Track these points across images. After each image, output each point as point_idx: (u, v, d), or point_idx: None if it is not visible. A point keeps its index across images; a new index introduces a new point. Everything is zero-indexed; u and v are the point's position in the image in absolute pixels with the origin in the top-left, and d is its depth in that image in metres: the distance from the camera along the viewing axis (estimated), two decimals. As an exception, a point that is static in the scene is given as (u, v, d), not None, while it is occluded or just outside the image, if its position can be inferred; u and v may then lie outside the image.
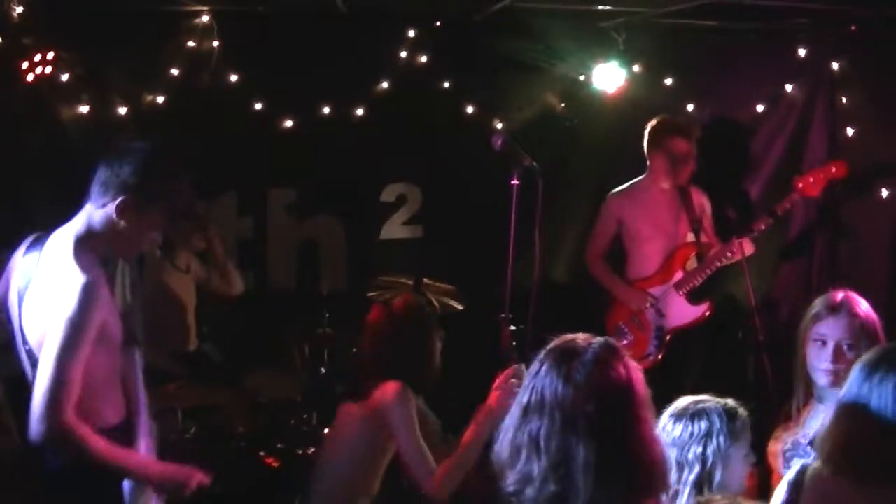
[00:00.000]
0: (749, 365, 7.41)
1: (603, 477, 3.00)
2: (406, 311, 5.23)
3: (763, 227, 7.04)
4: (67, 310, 4.02)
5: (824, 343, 4.61)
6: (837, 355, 4.57)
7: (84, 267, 4.12)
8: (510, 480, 3.11)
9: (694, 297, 7.28)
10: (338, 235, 8.06)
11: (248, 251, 7.99)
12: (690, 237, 7.27)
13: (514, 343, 5.38)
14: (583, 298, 7.79)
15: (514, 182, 5.41)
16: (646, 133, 7.29)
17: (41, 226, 7.08)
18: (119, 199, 4.20)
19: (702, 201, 7.42)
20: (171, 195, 4.30)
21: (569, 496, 3.01)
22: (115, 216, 4.22)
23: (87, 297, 4.04)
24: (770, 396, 5.98)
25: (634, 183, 7.46)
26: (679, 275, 7.29)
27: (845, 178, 7.23)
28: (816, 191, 7.09)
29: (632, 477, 3.04)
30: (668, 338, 7.25)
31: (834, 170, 7.11)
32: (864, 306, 4.67)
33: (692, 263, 7.29)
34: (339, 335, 7.15)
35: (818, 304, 4.73)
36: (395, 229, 8.04)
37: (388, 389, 4.97)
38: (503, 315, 5.40)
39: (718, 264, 7.14)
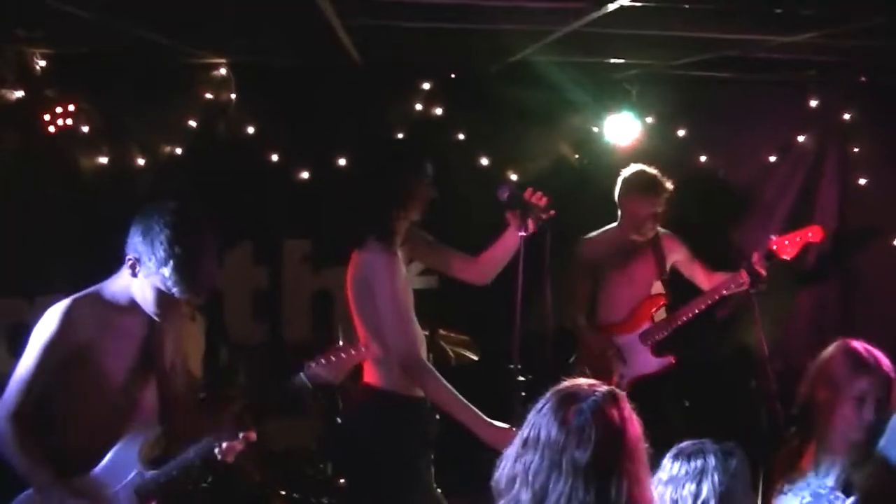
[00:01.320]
0: (762, 413, 7.41)
1: None
2: None
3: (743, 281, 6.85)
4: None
5: (863, 400, 4.61)
6: (878, 410, 4.60)
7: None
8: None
9: (659, 348, 7.23)
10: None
11: (264, 301, 8.04)
12: (659, 288, 7.29)
13: (524, 394, 5.37)
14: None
15: (521, 233, 5.42)
16: (617, 182, 7.32)
17: (59, 274, 7.27)
18: (130, 258, 4.43)
19: (675, 249, 7.36)
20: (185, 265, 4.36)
21: None
22: (129, 272, 4.45)
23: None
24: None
25: (607, 230, 7.45)
26: (646, 325, 7.25)
27: (857, 229, 7.20)
28: (791, 254, 6.89)
29: None
30: (627, 386, 7.09)
31: (810, 235, 6.94)
32: (886, 360, 4.70)
33: (660, 314, 7.27)
34: (354, 385, 7.18)
35: (845, 358, 4.73)
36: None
37: None
38: (511, 366, 5.41)
39: (696, 311, 7.09)
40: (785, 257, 6.89)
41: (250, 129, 7.73)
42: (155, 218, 4.35)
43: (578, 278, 7.45)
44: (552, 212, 5.46)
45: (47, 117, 7.21)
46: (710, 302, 7.03)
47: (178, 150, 7.63)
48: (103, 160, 7.50)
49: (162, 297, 4.43)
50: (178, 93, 7.58)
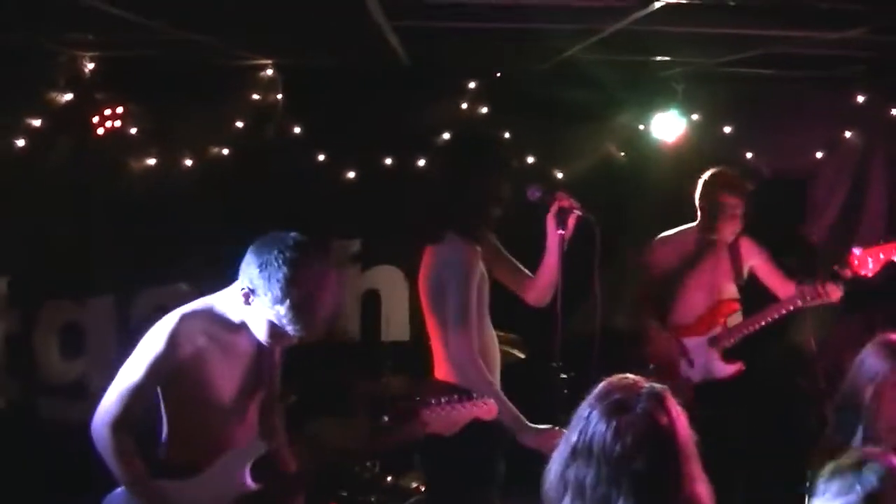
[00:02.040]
0: (812, 413, 7.37)
1: None
2: None
3: (832, 294, 6.76)
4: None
5: None
6: None
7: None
8: None
9: (728, 355, 7.10)
10: (400, 285, 8.15)
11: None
12: (734, 292, 7.19)
13: (566, 391, 5.37)
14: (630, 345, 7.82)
15: (560, 232, 5.41)
16: (698, 184, 7.28)
17: (109, 276, 7.34)
18: (244, 289, 4.36)
19: (753, 253, 7.23)
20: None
21: None
22: (242, 300, 4.40)
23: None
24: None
25: (682, 230, 7.38)
26: (718, 329, 7.12)
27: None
28: (873, 271, 6.71)
29: None
30: (692, 390, 6.99)
31: None
32: None
33: (735, 319, 7.13)
34: (401, 384, 7.23)
35: (882, 350, 4.74)
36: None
37: None
38: (554, 364, 5.40)
39: (779, 313, 6.93)
40: (864, 273, 6.74)
41: (297, 130, 7.76)
42: (274, 252, 4.26)
43: (649, 278, 7.42)
44: (581, 209, 5.43)
45: (96, 120, 7.29)
46: (787, 310, 6.89)
47: (225, 152, 7.67)
48: (151, 162, 7.56)
49: (275, 329, 4.39)
50: (225, 94, 7.62)
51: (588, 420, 3.13)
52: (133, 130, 7.47)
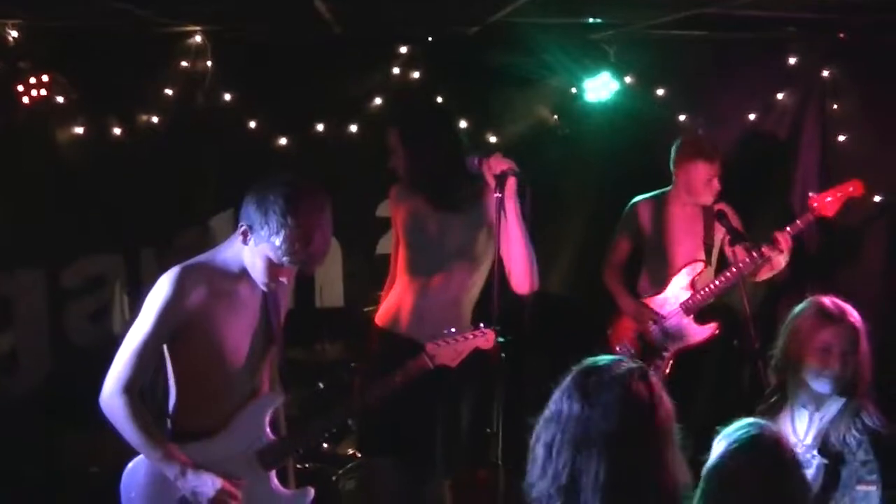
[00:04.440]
0: (745, 374, 7.41)
1: (612, 499, 2.99)
2: None
3: (783, 247, 6.72)
4: None
5: (828, 351, 4.67)
6: (843, 363, 4.64)
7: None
8: (530, 487, 3.13)
9: (700, 317, 7.13)
10: (334, 252, 8.07)
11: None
12: (702, 256, 7.17)
13: (503, 355, 5.38)
14: (577, 311, 7.81)
15: (497, 195, 5.40)
16: (671, 151, 7.24)
17: (38, 246, 7.24)
18: (242, 226, 4.51)
19: (730, 219, 6.96)
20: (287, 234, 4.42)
21: None
22: (241, 240, 4.54)
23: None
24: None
25: (659, 194, 7.38)
26: (687, 294, 7.13)
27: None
28: (832, 211, 6.83)
29: (645, 501, 3.03)
30: (671, 358, 7.09)
31: (851, 189, 6.88)
32: (856, 313, 4.74)
33: (702, 279, 7.12)
34: (336, 350, 7.23)
35: (812, 311, 4.79)
36: (389, 244, 8.03)
37: None
38: (492, 327, 5.39)
39: (730, 275, 6.88)
40: (826, 215, 6.83)
41: (227, 97, 7.66)
42: (270, 188, 4.43)
43: (621, 242, 7.44)
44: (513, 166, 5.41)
45: (21, 88, 7.16)
46: (756, 261, 6.77)
47: (155, 119, 7.57)
48: (79, 130, 7.44)
49: (272, 266, 4.49)
50: (154, 61, 7.51)
51: (561, 389, 3.10)
52: (60, 99, 7.34)
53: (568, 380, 3.13)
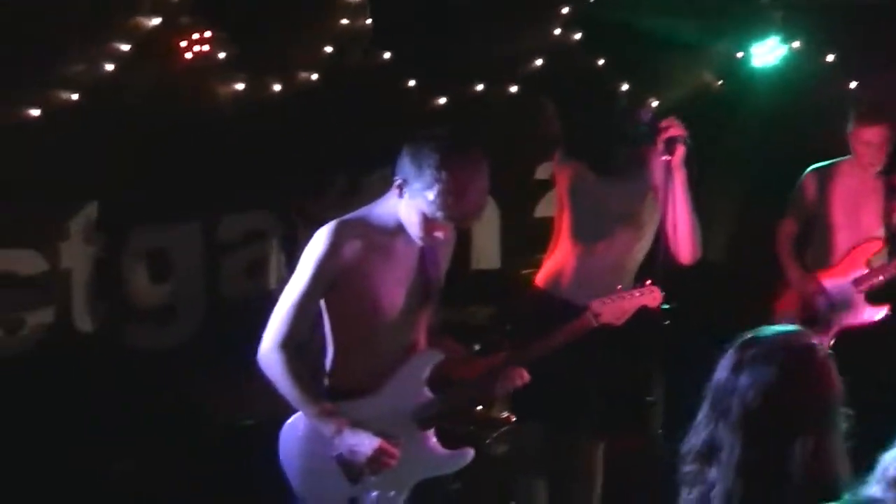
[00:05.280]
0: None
1: (748, 480, 2.83)
2: None
3: None
4: None
5: None
6: None
7: None
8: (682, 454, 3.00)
9: (873, 297, 6.86)
10: (492, 213, 8.01)
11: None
12: (880, 231, 6.91)
13: (667, 322, 5.28)
14: (739, 279, 7.63)
15: (665, 157, 5.30)
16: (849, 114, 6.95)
17: (197, 201, 7.30)
18: (397, 179, 4.52)
19: None
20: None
21: (715, 487, 2.86)
22: (396, 193, 4.55)
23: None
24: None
25: (835, 163, 7.09)
26: (862, 270, 6.87)
27: None
28: None
29: (785, 488, 2.78)
30: (835, 335, 6.78)
31: None
32: None
33: (878, 259, 6.89)
34: (490, 313, 7.18)
35: None
36: (550, 207, 7.93)
37: None
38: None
39: None
40: None
41: (386, 56, 7.63)
42: (426, 142, 4.45)
43: (793, 214, 7.18)
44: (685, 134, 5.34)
45: (183, 44, 7.20)
46: None
47: (314, 77, 7.57)
48: (239, 87, 7.48)
49: (426, 221, 4.47)
50: (314, 19, 7.51)
51: (720, 364, 2.95)
52: (221, 55, 7.37)
53: (730, 350, 2.98)
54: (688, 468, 2.95)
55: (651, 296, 5.05)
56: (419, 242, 4.63)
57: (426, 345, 4.89)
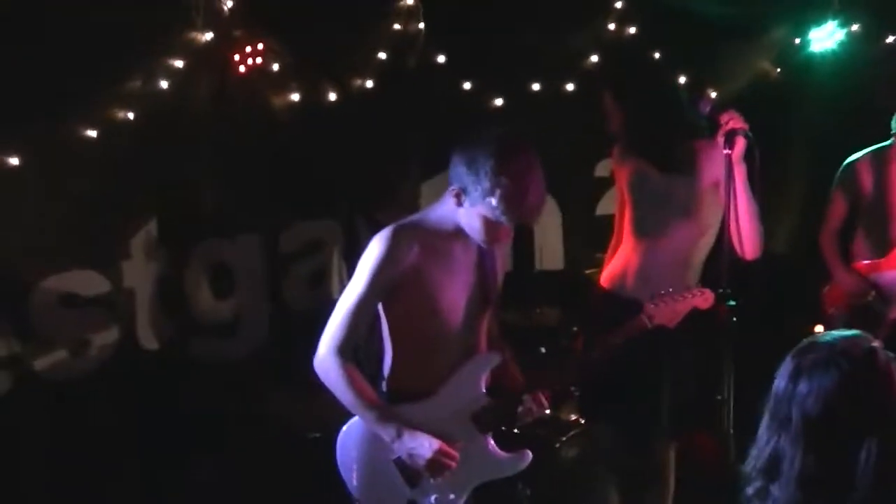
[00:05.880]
0: None
1: (809, 494, 2.73)
2: None
3: None
4: None
5: None
6: None
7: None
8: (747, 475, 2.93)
9: None
10: (553, 213, 7.96)
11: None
12: None
13: (734, 319, 5.20)
14: (801, 274, 7.51)
15: (727, 151, 5.22)
16: None
17: (257, 213, 7.30)
18: (454, 188, 4.52)
19: None
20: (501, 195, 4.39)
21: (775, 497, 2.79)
22: (454, 202, 4.55)
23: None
24: None
25: (876, 150, 6.90)
26: None
27: None
28: None
29: (849, 498, 2.68)
30: (889, 328, 6.57)
31: None
32: None
33: None
34: (556, 314, 7.12)
35: None
36: (610, 204, 7.87)
37: None
38: (720, 290, 5.22)
39: None
40: None
41: (440, 59, 7.60)
42: (479, 147, 4.45)
43: (837, 204, 7.01)
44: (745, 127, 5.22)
45: (237, 57, 7.21)
46: None
47: (369, 84, 7.55)
48: (295, 97, 7.47)
49: (490, 225, 4.48)
50: (367, 25, 7.49)
51: (780, 370, 2.88)
52: (275, 67, 7.37)
53: (787, 357, 2.90)
54: (751, 487, 2.88)
55: (702, 297, 4.99)
56: (483, 246, 4.64)
57: (486, 348, 4.88)
